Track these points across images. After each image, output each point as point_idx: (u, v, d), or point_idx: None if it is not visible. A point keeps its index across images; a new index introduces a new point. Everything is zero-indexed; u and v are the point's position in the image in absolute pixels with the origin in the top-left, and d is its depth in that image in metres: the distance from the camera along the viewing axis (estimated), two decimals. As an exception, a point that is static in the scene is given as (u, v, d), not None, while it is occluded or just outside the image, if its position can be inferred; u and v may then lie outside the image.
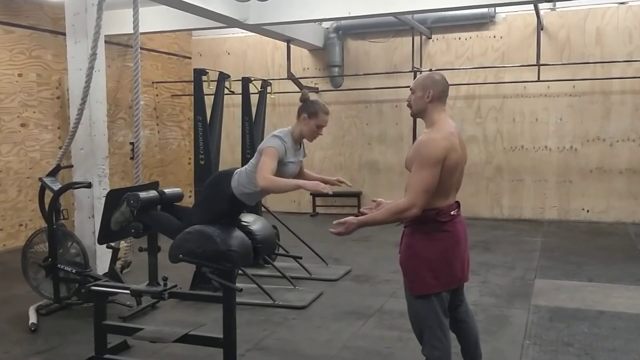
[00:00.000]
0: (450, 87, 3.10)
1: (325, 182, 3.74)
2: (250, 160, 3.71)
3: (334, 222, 2.96)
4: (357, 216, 3.04)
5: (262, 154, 3.54)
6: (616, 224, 8.59)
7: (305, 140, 3.82)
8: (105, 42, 5.59)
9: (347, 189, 9.93)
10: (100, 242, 4.06)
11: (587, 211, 8.88)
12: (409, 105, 3.05)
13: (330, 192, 3.32)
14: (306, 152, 3.94)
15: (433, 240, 2.89)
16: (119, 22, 7.42)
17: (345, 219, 2.93)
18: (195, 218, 3.63)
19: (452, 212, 2.94)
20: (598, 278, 5.80)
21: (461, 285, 3.17)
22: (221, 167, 6.33)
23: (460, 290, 3.18)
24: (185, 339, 3.58)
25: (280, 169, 3.58)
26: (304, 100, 3.70)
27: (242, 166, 3.82)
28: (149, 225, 3.81)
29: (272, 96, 7.71)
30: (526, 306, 4.95)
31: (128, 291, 3.84)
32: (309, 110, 3.66)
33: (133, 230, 3.76)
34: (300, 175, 3.91)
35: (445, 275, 2.93)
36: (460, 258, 3.01)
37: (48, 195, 5.06)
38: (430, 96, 2.94)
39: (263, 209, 6.56)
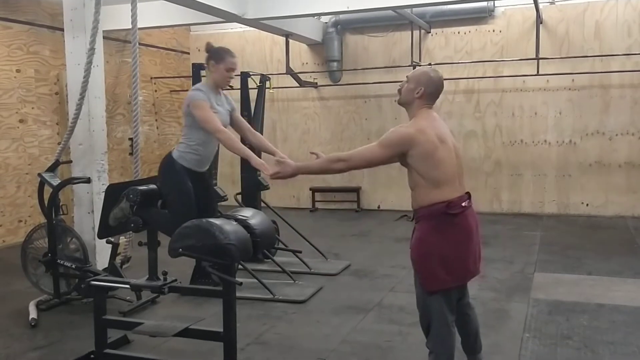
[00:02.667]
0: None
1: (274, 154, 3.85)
2: (182, 128, 3.96)
3: (270, 173, 3.19)
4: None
5: (193, 110, 3.69)
6: (615, 218, 8.60)
7: (227, 94, 4.02)
8: (104, 37, 5.59)
9: (346, 184, 10.02)
10: (100, 237, 4.06)
11: (587, 205, 8.89)
12: (399, 91, 3.10)
13: (269, 174, 3.43)
14: (234, 105, 4.08)
15: (445, 234, 2.86)
16: (117, 18, 7.40)
17: (281, 165, 3.11)
18: (172, 207, 3.75)
19: (462, 204, 2.93)
20: (597, 272, 5.80)
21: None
22: (220, 164, 6.35)
23: (464, 284, 3.18)
24: (185, 333, 3.58)
25: None
26: (209, 49, 3.87)
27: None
28: (147, 221, 3.82)
29: (271, 91, 7.70)
30: (526, 300, 4.96)
31: (128, 286, 3.84)
32: (216, 56, 3.85)
33: (132, 225, 3.76)
34: (243, 131, 4.08)
35: (458, 269, 2.93)
36: (472, 252, 3.00)
37: (47, 191, 5.06)
38: (421, 93, 2.99)
39: (262, 204, 6.57)
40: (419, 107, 3.00)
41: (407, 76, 3.08)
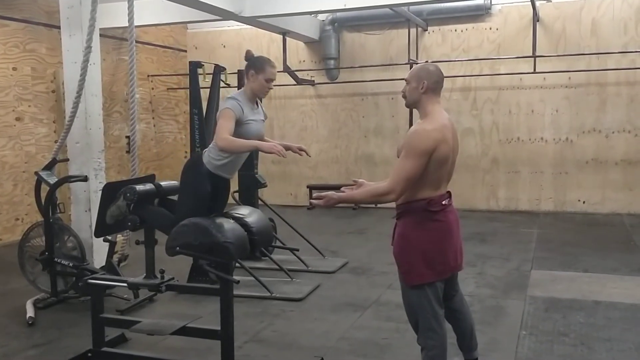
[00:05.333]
0: (446, 79, 3.12)
1: (287, 148, 3.83)
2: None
3: (314, 194, 3.07)
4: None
5: (219, 118, 3.62)
6: (612, 215, 8.62)
7: (263, 105, 3.91)
8: (100, 35, 5.58)
9: (344, 182, 10.02)
10: (97, 235, 4.05)
11: (583, 202, 8.91)
12: (404, 96, 3.09)
13: (285, 156, 3.50)
14: (266, 114, 4.01)
15: (425, 230, 2.90)
16: (113, 15, 7.39)
17: (326, 193, 3.00)
18: (182, 206, 3.66)
19: (443, 202, 2.96)
20: (594, 269, 5.82)
21: (455, 275, 3.19)
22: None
23: (454, 281, 3.21)
24: (183, 331, 3.58)
25: (243, 129, 3.65)
26: (249, 58, 3.77)
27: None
28: (145, 219, 3.81)
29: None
30: (522, 297, 4.97)
31: (125, 284, 3.84)
32: (256, 66, 3.73)
33: (129, 223, 3.75)
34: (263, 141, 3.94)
35: (439, 264, 2.96)
36: (453, 247, 3.03)
37: (44, 189, 5.05)
38: (425, 87, 2.96)
39: (260, 202, 6.57)
40: (428, 103, 2.97)
41: (405, 79, 3.07)
